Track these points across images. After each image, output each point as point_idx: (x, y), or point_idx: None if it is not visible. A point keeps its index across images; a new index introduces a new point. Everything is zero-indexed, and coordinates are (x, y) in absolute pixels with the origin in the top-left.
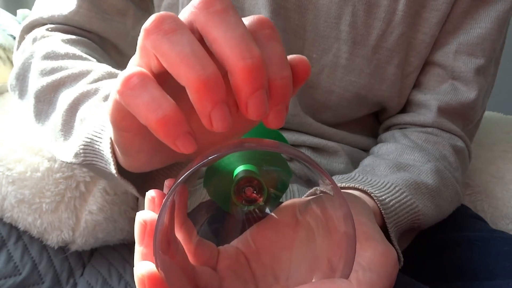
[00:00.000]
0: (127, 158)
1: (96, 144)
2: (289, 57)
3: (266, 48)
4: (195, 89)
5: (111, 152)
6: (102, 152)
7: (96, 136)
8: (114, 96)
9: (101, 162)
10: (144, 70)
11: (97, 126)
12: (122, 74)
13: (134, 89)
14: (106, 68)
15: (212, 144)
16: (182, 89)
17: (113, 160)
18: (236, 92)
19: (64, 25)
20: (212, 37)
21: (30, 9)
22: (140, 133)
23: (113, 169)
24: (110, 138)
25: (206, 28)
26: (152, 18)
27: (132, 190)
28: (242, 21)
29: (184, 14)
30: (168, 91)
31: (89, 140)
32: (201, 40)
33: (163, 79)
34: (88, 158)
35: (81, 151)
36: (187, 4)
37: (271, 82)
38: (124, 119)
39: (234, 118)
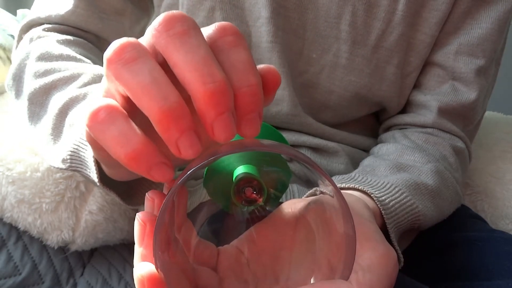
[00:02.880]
0: (109, 170)
1: (81, 152)
2: (257, 67)
3: (230, 56)
4: (157, 119)
5: (94, 161)
6: (86, 160)
7: (82, 143)
8: (84, 127)
9: (86, 170)
10: (112, 102)
11: (83, 133)
12: (90, 107)
13: (102, 123)
14: (97, 70)
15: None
16: None
17: (96, 169)
18: (200, 117)
19: (61, 25)
20: (173, 61)
21: (30, 9)
22: None
23: (95, 178)
24: None
25: (167, 52)
26: (112, 46)
27: (115, 198)
28: (204, 42)
29: (147, 37)
30: (143, 116)
31: (75, 147)
32: (166, 63)
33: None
34: (74, 165)
35: (68, 157)
36: (187, 4)
37: (237, 90)
38: (98, 143)
39: (208, 139)
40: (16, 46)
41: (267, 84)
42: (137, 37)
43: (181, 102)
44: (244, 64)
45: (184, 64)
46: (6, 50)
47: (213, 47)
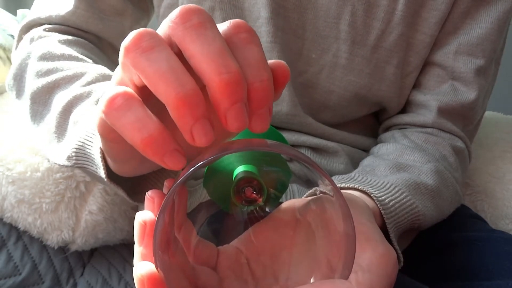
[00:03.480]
0: (117, 165)
1: (87, 148)
2: (268, 62)
3: (244, 52)
4: (174, 106)
5: (101, 157)
6: (93, 156)
7: (87, 140)
8: (99, 114)
9: (92, 166)
10: (128, 89)
11: (89, 131)
12: (107, 94)
13: (118, 110)
14: (100, 69)
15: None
16: None
17: (103, 165)
18: (214, 106)
19: (61, 25)
20: (189, 52)
21: (30, 9)
22: (128, 144)
23: (102, 174)
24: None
25: (183, 43)
26: (130, 36)
27: (122, 194)
28: (219, 34)
29: (163, 28)
30: (154, 105)
31: (81, 144)
32: (180, 54)
33: (148, 93)
34: (79, 162)
35: (73, 154)
36: (187, 4)
37: (250, 85)
38: (111, 133)
39: (220, 129)
40: (16, 46)
41: (277, 79)
42: None
43: (197, 90)
44: (257, 60)
45: (200, 55)
46: (6, 50)
47: (228, 42)
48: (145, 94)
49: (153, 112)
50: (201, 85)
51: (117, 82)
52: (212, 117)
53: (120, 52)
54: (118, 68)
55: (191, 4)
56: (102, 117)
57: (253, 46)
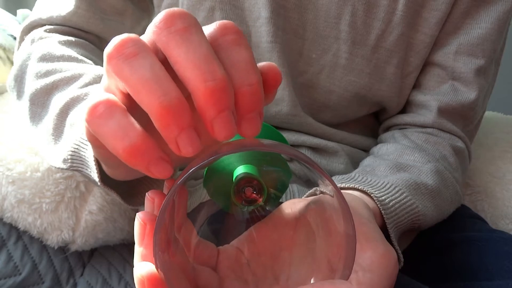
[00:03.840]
0: (109, 169)
1: (82, 151)
2: (258, 64)
3: (231, 55)
4: (158, 115)
5: (94, 160)
6: (87, 159)
7: (82, 143)
8: (83, 123)
9: (86, 169)
10: (111, 97)
11: (83, 134)
12: (89, 102)
13: (100, 118)
14: (99, 70)
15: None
16: None
17: (97, 169)
18: (200, 115)
19: (62, 26)
20: (174, 59)
21: (30, 9)
22: None
23: (96, 177)
24: None
25: (168, 48)
26: (113, 42)
27: (116, 197)
28: (205, 39)
29: (148, 34)
30: (142, 114)
31: (76, 147)
32: (166, 61)
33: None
34: (75, 165)
35: (68, 157)
36: (187, 4)
37: (238, 90)
38: (97, 140)
39: (208, 137)
40: (18, 47)
41: (267, 82)
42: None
43: (182, 98)
44: (245, 63)
45: (185, 61)
46: (6, 50)
47: (214, 45)
48: (132, 102)
49: (141, 122)
50: (187, 93)
51: (104, 89)
52: (199, 125)
53: (104, 59)
54: (104, 76)
55: (175, 8)
56: (86, 126)
57: (241, 49)
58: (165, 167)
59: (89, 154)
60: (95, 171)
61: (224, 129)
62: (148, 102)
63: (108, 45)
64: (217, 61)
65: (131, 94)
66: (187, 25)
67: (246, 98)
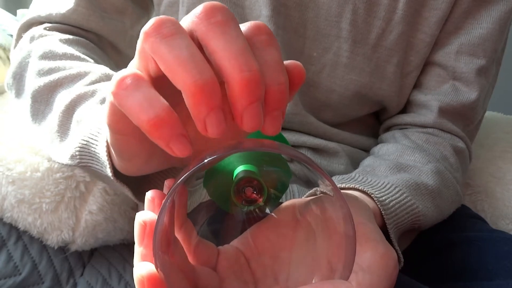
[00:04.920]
0: (123, 162)
1: (92, 147)
2: (285, 62)
3: (263, 54)
4: (191, 93)
5: (107, 155)
6: (98, 155)
7: (92, 139)
8: (109, 97)
9: (96, 165)
10: (138, 71)
11: (93, 129)
12: (117, 75)
13: (127, 89)
14: (103, 69)
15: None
16: (179, 95)
17: (109, 164)
18: (232, 104)
19: (62, 24)
20: (212, 48)
21: None
22: (136, 137)
23: (109, 172)
24: (107, 141)
25: (206, 38)
26: (151, 21)
27: (127, 193)
28: (242, 33)
29: (185, 23)
30: (165, 97)
31: (85, 143)
32: (200, 49)
33: (160, 84)
34: (84, 160)
35: (77, 153)
36: (187, 2)
37: (268, 88)
38: (119, 122)
39: (229, 126)
40: (15, 45)
41: (292, 81)
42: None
43: (215, 79)
44: (275, 63)
45: (223, 51)
46: (6, 50)
47: (248, 43)
48: (157, 86)
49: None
50: (219, 81)
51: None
52: (226, 112)
53: (139, 38)
54: (135, 57)
55: (215, 1)
56: (111, 100)
57: (272, 49)
58: (185, 145)
59: (100, 149)
60: (108, 165)
61: (252, 120)
62: (183, 80)
63: (145, 24)
64: (253, 55)
65: (166, 72)
66: (226, 18)
67: (274, 96)
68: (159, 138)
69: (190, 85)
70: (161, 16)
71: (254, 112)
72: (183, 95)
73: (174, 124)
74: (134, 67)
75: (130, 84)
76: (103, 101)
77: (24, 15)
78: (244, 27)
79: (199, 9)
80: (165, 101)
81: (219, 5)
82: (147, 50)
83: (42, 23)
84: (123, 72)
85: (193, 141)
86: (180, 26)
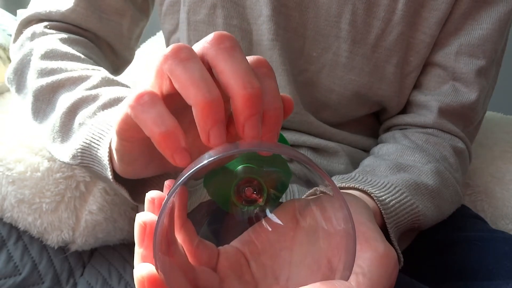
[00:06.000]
0: (123, 165)
1: (93, 150)
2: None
3: (263, 83)
4: (200, 107)
5: (108, 159)
6: (99, 157)
7: (94, 143)
8: (125, 109)
9: (97, 166)
10: (153, 90)
11: (96, 133)
12: (135, 91)
13: (144, 105)
14: (103, 73)
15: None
16: (182, 112)
17: (110, 167)
18: (235, 116)
19: (61, 22)
20: (220, 69)
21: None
22: (139, 145)
23: (109, 174)
24: (109, 147)
25: (215, 60)
26: (171, 47)
27: (124, 193)
28: (245, 58)
29: (197, 47)
30: (171, 112)
31: (86, 145)
32: (209, 71)
33: (169, 101)
34: (85, 161)
35: (78, 154)
36: (189, 1)
37: (265, 112)
38: (128, 131)
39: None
40: (15, 40)
41: (284, 109)
42: (136, 40)
43: (221, 98)
44: (273, 92)
45: (230, 72)
46: (6, 50)
47: None
48: (167, 103)
49: None
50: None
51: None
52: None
53: (157, 60)
54: (151, 76)
55: (224, 32)
56: (128, 112)
57: (271, 80)
58: (186, 157)
59: (102, 152)
60: (108, 168)
61: (252, 130)
62: (195, 96)
63: (165, 49)
64: (255, 76)
65: (180, 89)
66: (233, 45)
67: (271, 119)
68: (166, 148)
69: (201, 101)
70: (179, 44)
71: (254, 123)
72: (193, 109)
73: (180, 139)
74: (149, 84)
75: (147, 101)
76: (104, 106)
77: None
78: (248, 59)
79: (210, 36)
80: (175, 119)
81: (227, 34)
82: (164, 70)
83: (41, 20)
84: (141, 89)
85: (191, 147)
86: (194, 52)
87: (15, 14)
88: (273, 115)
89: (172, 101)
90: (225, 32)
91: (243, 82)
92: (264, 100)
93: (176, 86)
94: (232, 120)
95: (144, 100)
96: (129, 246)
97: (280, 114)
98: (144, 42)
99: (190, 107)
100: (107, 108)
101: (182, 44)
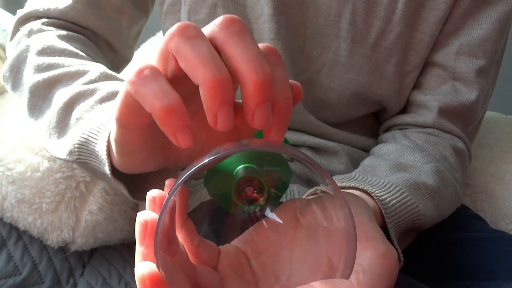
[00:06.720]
0: (122, 158)
1: (91, 145)
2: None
3: (273, 71)
4: (208, 86)
5: (106, 154)
6: (97, 152)
7: (91, 137)
8: (124, 87)
9: (95, 162)
10: (155, 65)
11: (93, 127)
12: (136, 66)
13: (144, 79)
14: (101, 68)
15: (209, 147)
16: (188, 96)
17: (108, 161)
18: (245, 102)
19: (59, 19)
20: (230, 53)
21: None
22: (140, 133)
23: (107, 169)
24: (107, 141)
25: (225, 44)
26: (176, 25)
27: (123, 190)
28: (256, 43)
29: (205, 31)
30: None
31: (84, 140)
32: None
33: (174, 84)
34: (82, 157)
35: (75, 149)
36: (190, 0)
37: (276, 101)
38: (128, 115)
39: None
40: (12, 37)
41: (294, 96)
42: (135, 38)
43: (230, 78)
44: (283, 80)
45: (240, 56)
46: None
47: None
48: (171, 85)
49: None
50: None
51: None
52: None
53: (163, 39)
54: (153, 57)
55: (233, 15)
56: (127, 89)
57: (281, 68)
58: (189, 136)
59: (99, 147)
60: (106, 163)
61: (262, 118)
62: (203, 75)
63: (171, 27)
64: (266, 60)
65: (186, 69)
66: (243, 29)
67: (281, 108)
68: (168, 125)
69: (209, 79)
70: (185, 22)
71: (265, 110)
72: (200, 89)
73: (183, 115)
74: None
75: (148, 75)
76: (102, 100)
77: None
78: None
79: (219, 20)
80: (177, 94)
81: (237, 18)
82: (170, 48)
83: (39, 17)
84: (143, 63)
85: (195, 137)
86: (201, 31)
87: (15, 14)
88: (283, 104)
89: (176, 87)
90: (234, 16)
91: (255, 67)
92: (274, 89)
93: (182, 65)
94: (237, 109)
95: (145, 74)
96: (129, 246)
97: (290, 104)
98: (144, 42)
99: (194, 96)
100: (105, 102)
101: (188, 22)
